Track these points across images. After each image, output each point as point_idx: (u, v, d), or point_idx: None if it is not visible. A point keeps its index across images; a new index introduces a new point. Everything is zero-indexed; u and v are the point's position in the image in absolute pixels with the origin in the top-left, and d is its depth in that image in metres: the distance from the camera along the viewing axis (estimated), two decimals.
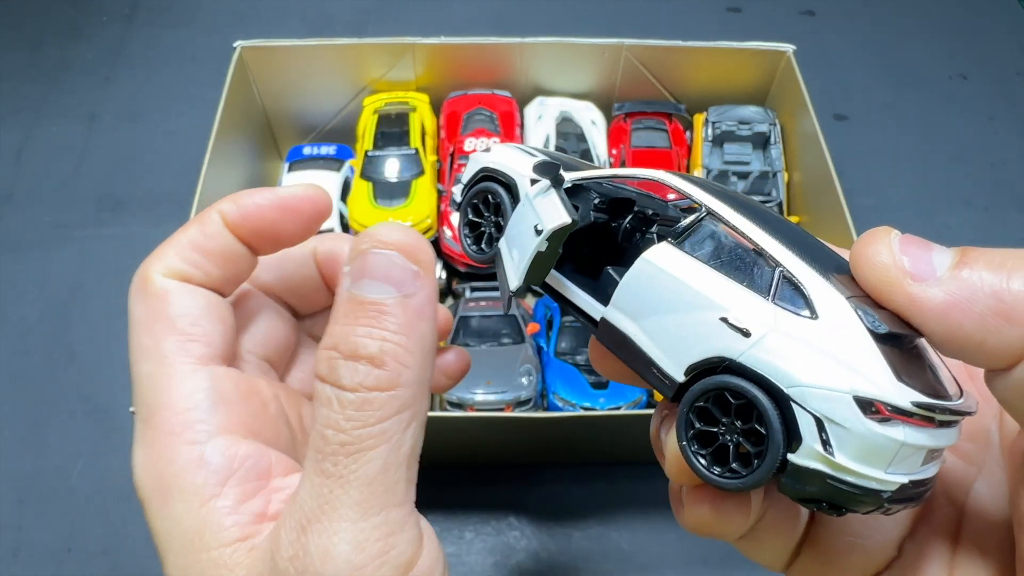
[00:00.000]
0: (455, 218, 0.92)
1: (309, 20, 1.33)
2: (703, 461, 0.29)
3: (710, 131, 1.01)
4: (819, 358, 0.27)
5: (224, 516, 0.28)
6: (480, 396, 0.77)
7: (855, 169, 1.17)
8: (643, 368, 0.31)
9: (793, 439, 0.27)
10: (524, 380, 0.78)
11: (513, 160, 0.36)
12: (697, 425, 0.29)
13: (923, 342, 0.30)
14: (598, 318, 0.32)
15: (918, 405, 0.26)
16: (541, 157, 0.35)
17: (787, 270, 0.28)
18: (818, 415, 0.26)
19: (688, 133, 1.06)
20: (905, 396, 0.26)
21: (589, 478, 0.86)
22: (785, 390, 0.27)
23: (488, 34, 0.99)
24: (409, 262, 0.28)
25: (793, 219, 0.97)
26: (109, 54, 1.27)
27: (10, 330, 0.96)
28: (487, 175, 0.37)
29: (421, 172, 0.94)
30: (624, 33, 1.00)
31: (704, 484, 0.30)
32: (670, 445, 0.30)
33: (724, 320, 0.28)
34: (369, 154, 0.96)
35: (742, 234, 0.30)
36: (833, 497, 0.27)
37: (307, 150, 1.03)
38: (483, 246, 0.37)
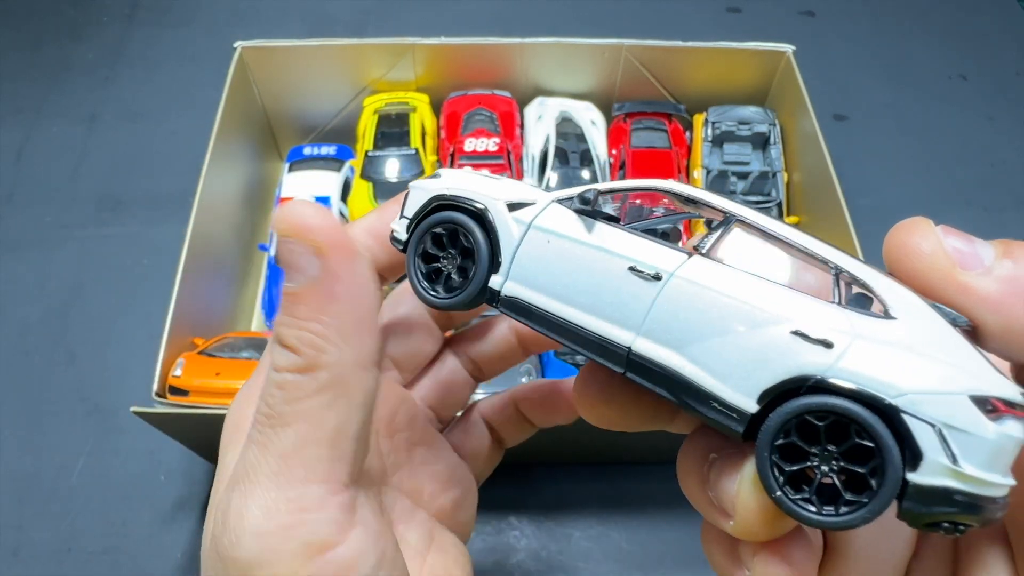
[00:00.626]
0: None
1: (309, 20, 1.33)
2: (811, 508, 0.24)
3: (710, 131, 1.01)
4: (916, 360, 0.24)
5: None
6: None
7: (855, 169, 1.17)
8: (695, 403, 0.26)
9: (911, 455, 0.23)
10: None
11: (477, 185, 0.31)
12: (787, 467, 0.25)
13: None
14: (624, 349, 0.27)
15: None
16: (519, 183, 0.32)
17: (848, 271, 0.26)
18: (937, 423, 0.23)
19: (688, 133, 1.06)
20: (1011, 388, 0.24)
21: (589, 478, 0.86)
22: (892, 401, 0.23)
23: (488, 34, 0.99)
24: (306, 246, 0.27)
25: (792, 219, 0.97)
26: (109, 54, 1.27)
27: (10, 330, 0.96)
28: (443, 204, 0.32)
29: (421, 172, 0.94)
30: (624, 33, 1.00)
31: (779, 537, 0.26)
32: (743, 497, 0.26)
33: (798, 333, 0.25)
34: (369, 154, 0.96)
35: (783, 239, 0.26)
36: (963, 515, 0.23)
37: (307, 150, 1.03)
38: (441, 288, 0.31)
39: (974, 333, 0.26)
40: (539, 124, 1.01)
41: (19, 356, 0.93)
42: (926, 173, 1.18)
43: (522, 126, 1.04)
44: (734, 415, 0.25)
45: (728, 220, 0.28)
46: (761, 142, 1.01)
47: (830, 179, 0.86)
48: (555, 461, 0.87)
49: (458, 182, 0.32)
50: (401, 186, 0.93)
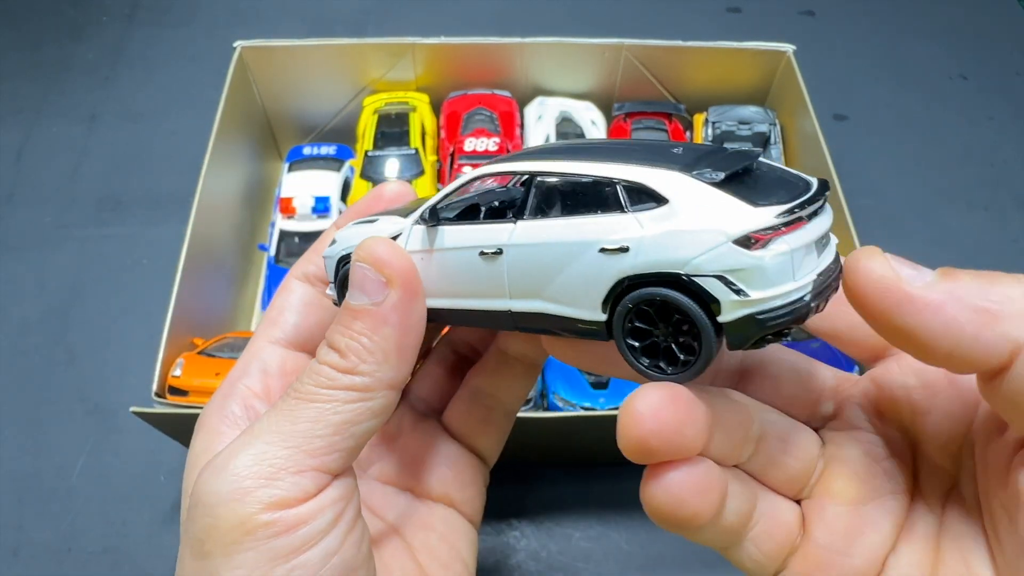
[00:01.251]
0: None
1: (309, 20, 1.33)
2: (661, 370, 0.31)
3: (710, 131, 1.01)
4: (689, 231, 0.29)
5: (219, 446, 0.33)
6: None
7: (855, 169, 1.17)
8: (570, 331, 0.33)
9: (712, 305, 0.29)
10: None
11: (361, 237, 0.36)
12: (637, 344, 0.31)
13: (759, 165, 0.32)
14: (506, 314, 0.34)
15: (781, 215, 0.28)
16: (391, 219, 0.38)
17: (622, 180, 0.30)
18: (716, 274, 0.28)
19: (688, 133, 1.06)
20: (766, 215, 0.28)
21: (589, 478, 0.86)
22: (681, 274, 0.29)
23: (488, 34, 0.99)
24: (379, 274, 0.33)
25: None
26: (109, 54, 1.27)
27: (10, 330, 0.96)
28: (347, 259, 0.38)
29: (421, 172, 0.94)
30: (624, 33, 1.00)
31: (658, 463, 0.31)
32: (626, 404, 0.30)
33: (602, 250, 0.30)
34: (369, 154, 0.96)
35: (572, 176, 0.32)
36: (770, 325, 0.29)
37: (307, 150, 1.03)
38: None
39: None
40: (539, 124, 1.01)
41: (19, 356, 0.93)
42: (926, 173, 1.18)
43: (522, 126, 1.04)
44: (595, 327, 0.32)
45: (531, 178, 0.33)
46: (761, 142, 1.01)
47: (830, 179, 0.86)
48: (555, 461, 0.87)
49: (349, 241, 0.38)
50: None
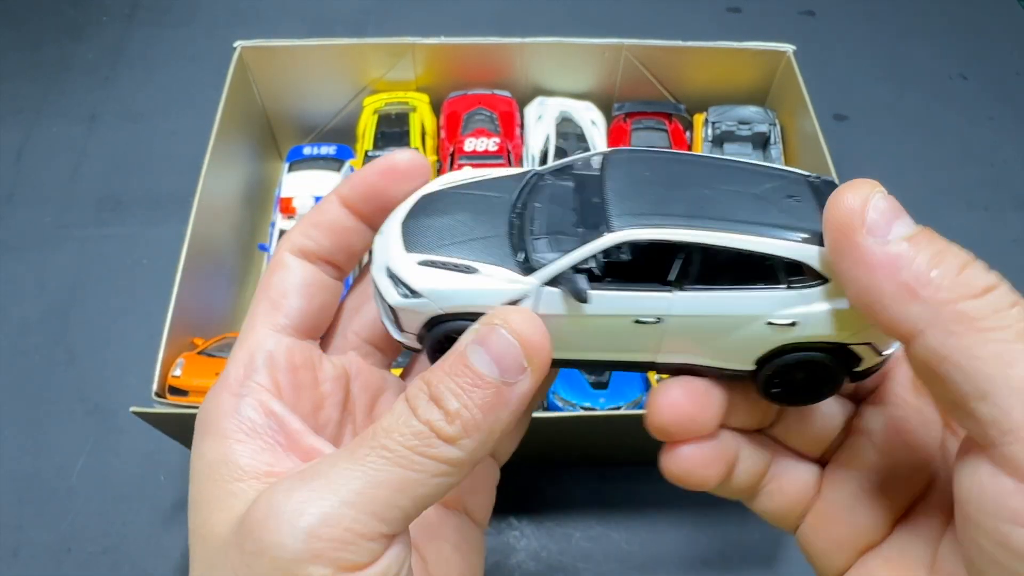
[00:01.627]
0: None
1: (309, 20, 1.33)
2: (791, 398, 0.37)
3: (710, 131, 1.01)
4: (848, 310, 0.33)
5: (240, 457, 0.32)
6: None
7: (855, 169, 1.17)
8: (713, 374, 0.36)
9: (854, 361, 0.35)
10: None
11: (467, 294, 0.34)
12: (777, 387, 0.36)
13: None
14: (648, 364, 0.36)
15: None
16: (496, 271, 0.34)
17: (784, 258, 0.33)
18: (867, 342, 0.34)
19: (688, 133, 1.06)
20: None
21: (590, 478, 0.86)
22: (844, 344, 0.34)
23: (488, 34, 0.99)
24: (523, 357, 0.30)
25: None
26: (109, 54, 1.27)
27: (10, 330, 0.96)
28: (444, 319, 0.35)
29: None
30: (624, 33, 1.00)
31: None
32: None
33: (770, 323, 0.34)
34: (369, 154, 0.96)
35: (731, 248, 0.33)
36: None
37: (307, 150, 1.03)
38: None
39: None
40: (539, 124, 1.01)
41: (19, 356, 0.93)
42: (926, 173, 1.18)
43: (522, 126, 1.04)
44: (743, 374, 0.36)
45: (688, 250, 0.33)
46: (761, 142, 1.01)
47: (830, 179, 0.86)
48: (555, 461, 0.87)
49: (446, 296, 0.34)
50: None
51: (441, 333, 0.35)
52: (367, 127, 0.99)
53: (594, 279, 0.33)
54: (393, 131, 0.98)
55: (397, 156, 0.37)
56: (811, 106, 0.92)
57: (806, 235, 0.32)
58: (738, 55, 0.99)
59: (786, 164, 0.99)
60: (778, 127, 1.00)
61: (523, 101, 1.05)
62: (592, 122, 1.02)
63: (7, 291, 0.99)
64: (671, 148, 1.01)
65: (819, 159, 0.89)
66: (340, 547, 0.28)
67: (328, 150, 1.03)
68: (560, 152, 0.97)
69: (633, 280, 0.33)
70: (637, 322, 0.34)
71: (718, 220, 0.32)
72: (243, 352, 0.35)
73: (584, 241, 0.33)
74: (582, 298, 0.32)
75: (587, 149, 0.98)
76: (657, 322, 0.34)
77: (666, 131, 1.03)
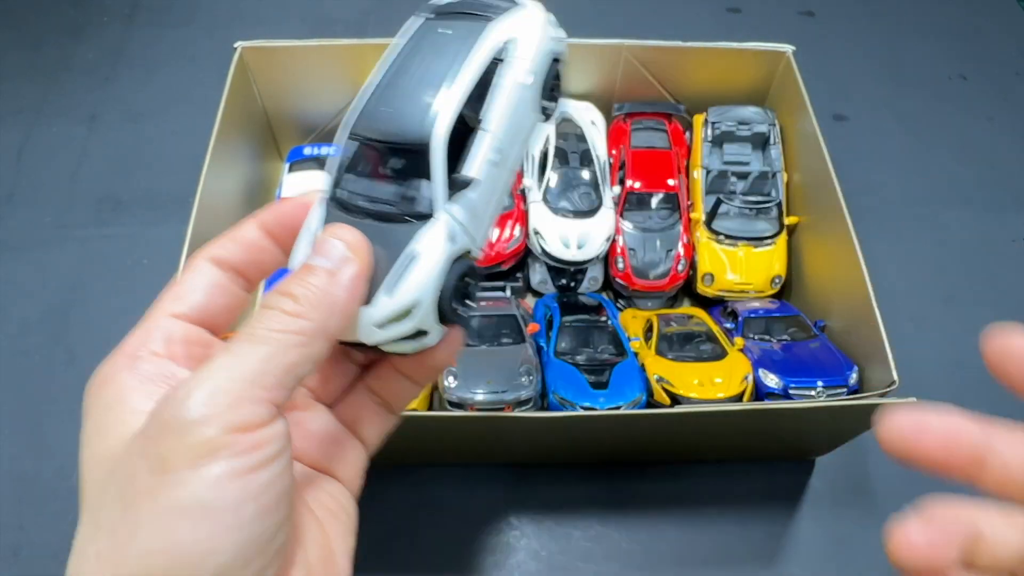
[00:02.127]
0: None
1: (310, 21, 1.33)
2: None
3: (709, 131, 1.01)
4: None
5: (137, 400, 0.36)
6: (480, 396, 0.77)
7: (854, 169, 1.17)
8: None
9: None
10: (524, 380, 0.79)
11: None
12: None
13: None
14: None
15: None
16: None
17: None
18: None
19: (688, 133, 1.06)
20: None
21: (589, 478, 0.86)
22: None
23: None
24: (347, 251, 0.36)
25: (792, 220, 0.97)
26: (109, 54, 1.28)
27: (10, 330, 0.96)
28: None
29: None
30: (624, 34, 1.00)
31: None
32: None
33: None
34: None
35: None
36: None
37: (307, 150, 1.03)
38: None
39: None
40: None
41: (19, 356, 0.94)
42: (926, 173, 1.18)
43: None
44: None
45: None
46: (761, 142, 1.01)
47: (830, 179, 0.86)
48: (555, 461, 0.87)
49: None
50: None
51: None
52: None
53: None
54: None
55: (307, 194, 0.43)
56: (811, 106, 0.92)
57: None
58: (738, 55, 0.99)
59: (785, 164, 0.99)
60: (777, 127, 1.00)
61: None
62: (592, 122, 1.02)
63: (7, 291, 0.99)
64: (671, 148, 1.01)
65: (819, 159, 0.89)
66: (227, 410, 0.32)
67: (328, 150, 1.03)
68: (560, 152, 0.97)
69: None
70: None
71: None
72: (138, 330, 0.39)
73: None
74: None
75: (587, 149, 0.98)
76: None
77: (666, 131, 1.03)
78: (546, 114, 0.42)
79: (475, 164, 0.37)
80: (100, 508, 0.36)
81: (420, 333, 0.37)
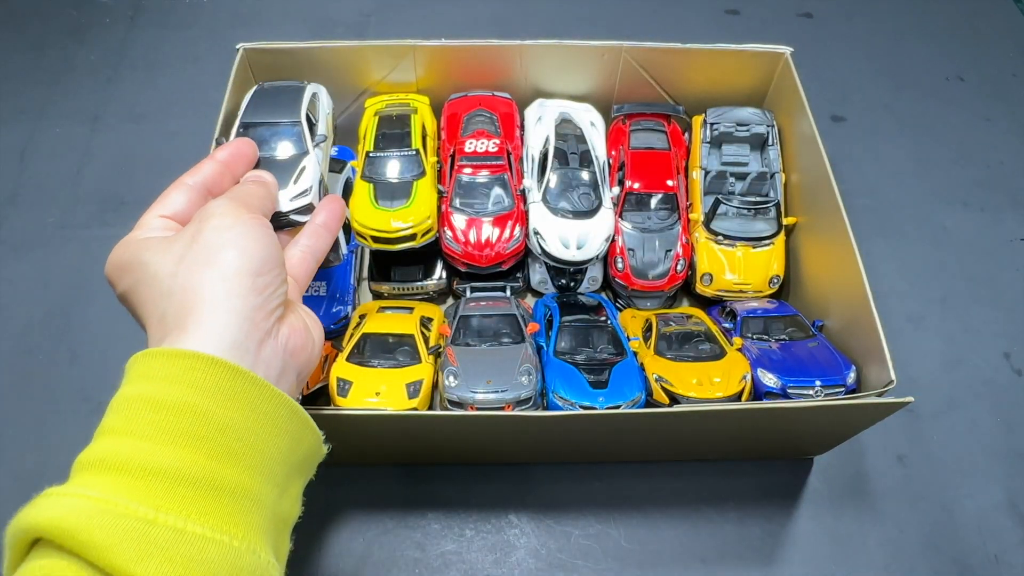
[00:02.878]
0: (457, 220, 0.93)
1: (311, 22, 1.34)
2: None
3: (708, 132, 1.01)
4: None
5: (166, 248, 0.53)
6: (480, 395, 0.77)
7: (853, 170, 1.18)
8: None
9: None
10: (524, 379, 0.79)
11: None
12: None
13: None
14: None
15: None
16: None
17: None
18: None
19: (687, 134, 1.06)
20: None
21: (589, 477, 0.87)
22: None
23: (488, 36, 1.00)
24: (270, 177, 0.65)
25: (790, 220, 0.98)
26: (112, 56, 1.28)
27: (13, 330, 0.96)
28: None
29: (422, 173, 0.95)
30: (623, 35, 1.00)
31: None
32: None
33: None
34: (370, 155, 0.96)
35: None
36: None
37: None
38: None
39: None
40: (539, 125, 1.01)
41: (22, 356, 0.94)
42: (923, 174, 1.19)
43: (522, 127, 1.05)
44: None
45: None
46: (759, 143, 1.01)
47: (828, 180, 0.86)
48: (555, 460, 0.87)
49: None
50: (402, 187, 0.94)
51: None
52: (368, 128, 1.00)
53: None
54: (394, 132, 0.99)
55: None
56: (809, 107, 0.93)
57: None
58: (736, 57, 0.99)
59: (784, 165, 1.00)
60: (776, 128, 1.01)
61: (523, 103, 1.06)
62: (591, 123, 1.03)
63: (10, 291, 1.00)
64: (670, 149, 1.02)
65: (817, 160, 0.89)
66: (233, 204, 0.54)
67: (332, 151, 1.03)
68: (559, 153, 0.97)
69: None
70: None
71: None
72: (135, 228, 0.56)
73: None
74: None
75: (586, 150, 0.99)
76: None
77: (665, 132, 1.04)
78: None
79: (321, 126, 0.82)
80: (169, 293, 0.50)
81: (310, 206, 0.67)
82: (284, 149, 0.80)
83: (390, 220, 0.90)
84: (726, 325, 0.93)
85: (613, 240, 0.95)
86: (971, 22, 1.42)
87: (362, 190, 0.93)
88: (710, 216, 0.97)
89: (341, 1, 1.37)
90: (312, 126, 0.86)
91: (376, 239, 0.90)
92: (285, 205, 0.68)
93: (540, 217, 0.93)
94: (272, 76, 0.99)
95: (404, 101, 1.03)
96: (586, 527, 0.84)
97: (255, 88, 0.92)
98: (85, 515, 0.35)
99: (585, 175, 0.96)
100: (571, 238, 0.91)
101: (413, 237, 0.90)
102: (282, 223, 0.67)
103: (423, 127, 1.00)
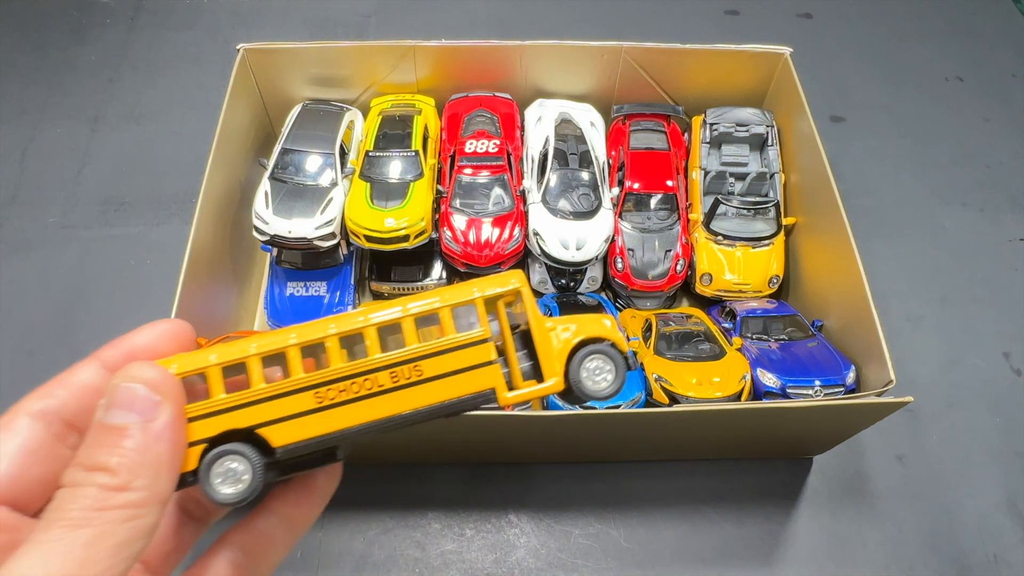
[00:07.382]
0: (457, 220, 0.93)
1: (311, 23, 1.34)
2: None
3: (708, 133, 1.02)
4: None
5: None
6: None
7: (852, 170, 1.18)
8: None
9: None
10: None
11: None
12: None
13: None
14: None
15: None
16: None
17: None
18: None
19: (686, 135, 1.06)
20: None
21: (588, 477, 0.87)
22: None
23: (489, 37, 1.00)
24: (153, 393, 0.32)
25: (790, 220, 0.98)
26: (113, 56, 1.28)
27: (15, 329, 0.96)
28: None
29: (420, 175, 0.95)
30: (623, 36, 1.00)
31: None
32: None
33: None
34: (370, 154, 0.96)
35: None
36: None
37: None
38: None
39: None
40: (538, 125, 1.01)
41: (23, 356, 0.94)
42: (922, 174, 1.19)
43: (522, 127, 1.05)
44: None
45: None
46: (759, 143, 1.02)
47: (827, 179, 0.86)
48: (555, 460, 0.87)
49: None
50: (399, 187, 0.94)
51: None
52: (370, 127, 1.00)
53: None
54: (395, 132, 0.99)
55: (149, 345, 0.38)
56: (808, 107, 0.93)
57: None
58: (736, 57, 0.99)
59: (783, 165, 1.00)
60: (775, 128, 1.01)
61: (523, 103, 1.06)
62: (591, 124, 1.03)
63: (12, 291, 1.00)
64: (669, 149, 1.02)
65: (816, 160, 0.89)
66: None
67: None
68: (559, 153, 0.97)
69: None
70: None
71: None
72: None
73: None
74: None
75: (586, 150, 0.99)
76: None
77: (664, 132, 1.04)
78: None
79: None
80: None
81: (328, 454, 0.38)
82: (316, 178, 0.89)
83: (384, 220, 0.90)
84: (726, 325, 0.93)
85: (613, 240, 0.95)
86: (970, 23, 1.42)
87: (358, 189, 0.93)
88: (710, 216, 0.97)
89: (341, 1, 1.37)
90: (344, 155, 0.93)
91: (369, 238, 0.90)
92: (310, 233, 0.72)
93: (540, 218, 0.93)
94: (272, 76, 0.99)
95: (409, 102, 1.03)
96: (586, 527, 0.84)
97: (300, 107, 0.96)
98: None
99: (585, 175, 0.96)
100: (571, 239, 0.91)
101: (406, 238, 0.90)
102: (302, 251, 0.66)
103: (425, 128, 1.00)
